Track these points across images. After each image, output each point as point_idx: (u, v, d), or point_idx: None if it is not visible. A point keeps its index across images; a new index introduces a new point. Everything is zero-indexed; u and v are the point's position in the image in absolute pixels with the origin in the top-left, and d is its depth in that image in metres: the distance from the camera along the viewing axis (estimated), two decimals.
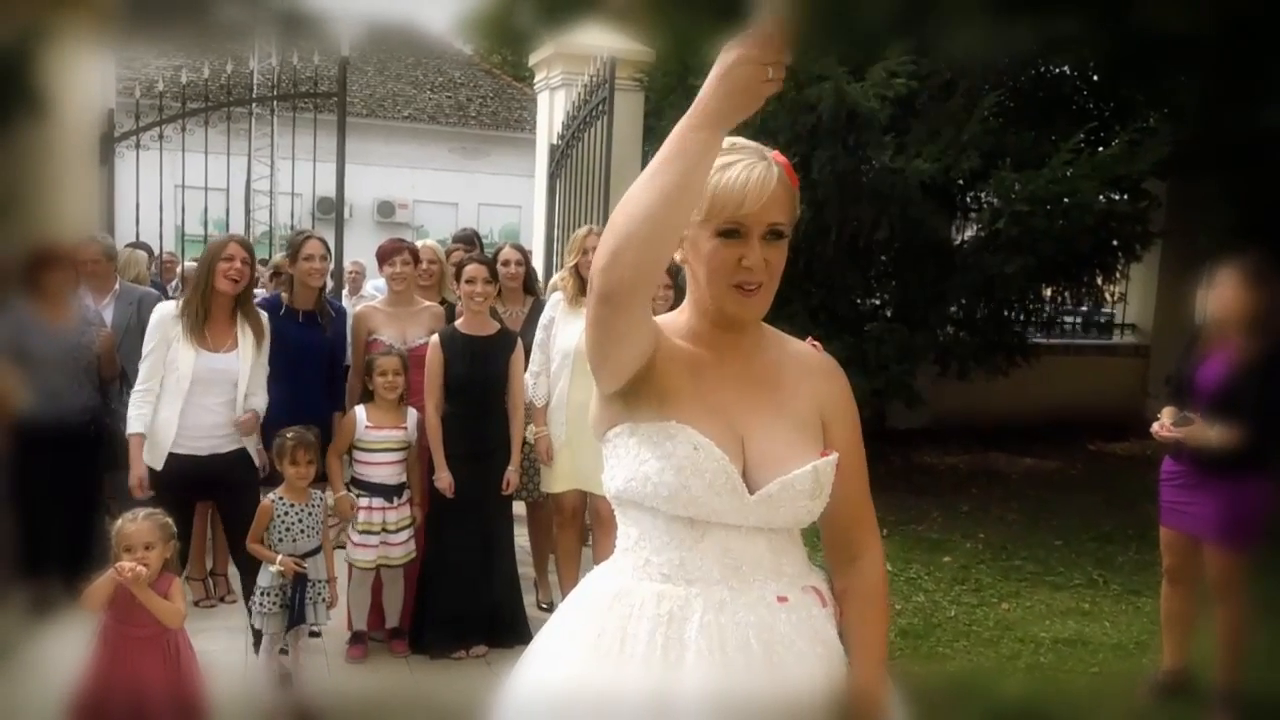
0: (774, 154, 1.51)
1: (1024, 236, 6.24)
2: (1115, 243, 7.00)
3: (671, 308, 4.79)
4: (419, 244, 5.20)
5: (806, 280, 6.35)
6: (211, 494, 3.96)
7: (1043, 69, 7.55)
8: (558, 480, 4.32)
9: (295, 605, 3.44)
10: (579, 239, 4.38)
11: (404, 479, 4.06)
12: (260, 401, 3.88)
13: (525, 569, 4.57)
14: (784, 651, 1.46)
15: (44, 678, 3.06)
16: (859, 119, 6.01)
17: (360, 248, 8.83)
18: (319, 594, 3.54)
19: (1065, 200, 6.32)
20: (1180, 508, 3.63)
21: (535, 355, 4.32)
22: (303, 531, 3.55)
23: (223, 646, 3.96)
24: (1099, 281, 7.53)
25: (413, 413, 4.09)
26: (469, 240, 6.13)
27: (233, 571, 4.47)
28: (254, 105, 8.05)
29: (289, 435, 3.63)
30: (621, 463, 1.51)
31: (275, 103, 8.08)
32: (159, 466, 3.75)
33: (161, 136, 6.86)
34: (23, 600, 3.49)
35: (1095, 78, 7.85)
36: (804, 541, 1.62)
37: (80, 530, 4.49)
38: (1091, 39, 7.21)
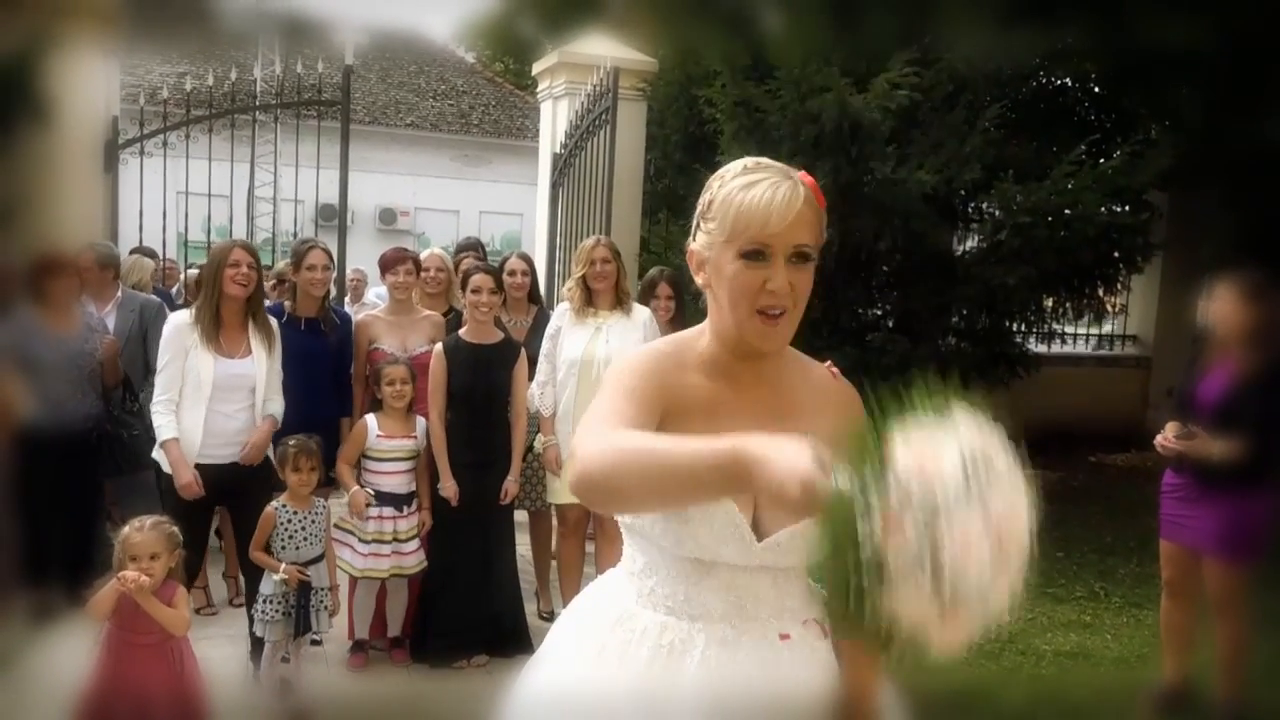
0: (800, 174, 1.46)
1: (1025, 248, 6.25)
2: (1116, 254, 7.00)
3: (672, 319, 4.79)
4: (427, 252, 5.22)
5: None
6: (227, 501, 3.96)
7: (1045, 81, 7.57)
8: (563, 491, 4.32)
9: (298, 613, 3.44)
10: (586, 249, 4.40)
11: (414, 488, 4.07)
12: (277, 407, 3.90)
13: (526, 578, 4.57)
14: (785, 687, 1.45)
15: (46, 685, 3.06)
16: (861, 130, 6.02)
17: (361, 255, 8.84)
18: (322, 602, 3.55)
19: (1067, 212, 6.34)
20: (1181, 521, 3.63)
21: (541, 365, 4.33)
22: (306, 539, 3.55)
23: (224, 654, 3.96)
24: (1100, 293, 7.53)
25: (422, 421, 4.11)
26: (474, 248, 6.14)
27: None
28: (257, 112, 8.07)
29: (291, 443, 3.64)
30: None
31: (279, 110, 8.09)
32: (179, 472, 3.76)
33: (165, 144, 6.89)
34: (25, 607, 3.49)
35: (1097, 90, 7.88)
36: None
37: (82, 537, 4.49)
38: (1094, 51, 7.27)
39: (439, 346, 4.13)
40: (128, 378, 4.77)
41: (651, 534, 1.46)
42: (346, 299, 7.63)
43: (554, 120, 7.79)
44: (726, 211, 1.42)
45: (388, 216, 16.48)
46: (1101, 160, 6.91)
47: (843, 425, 1.54)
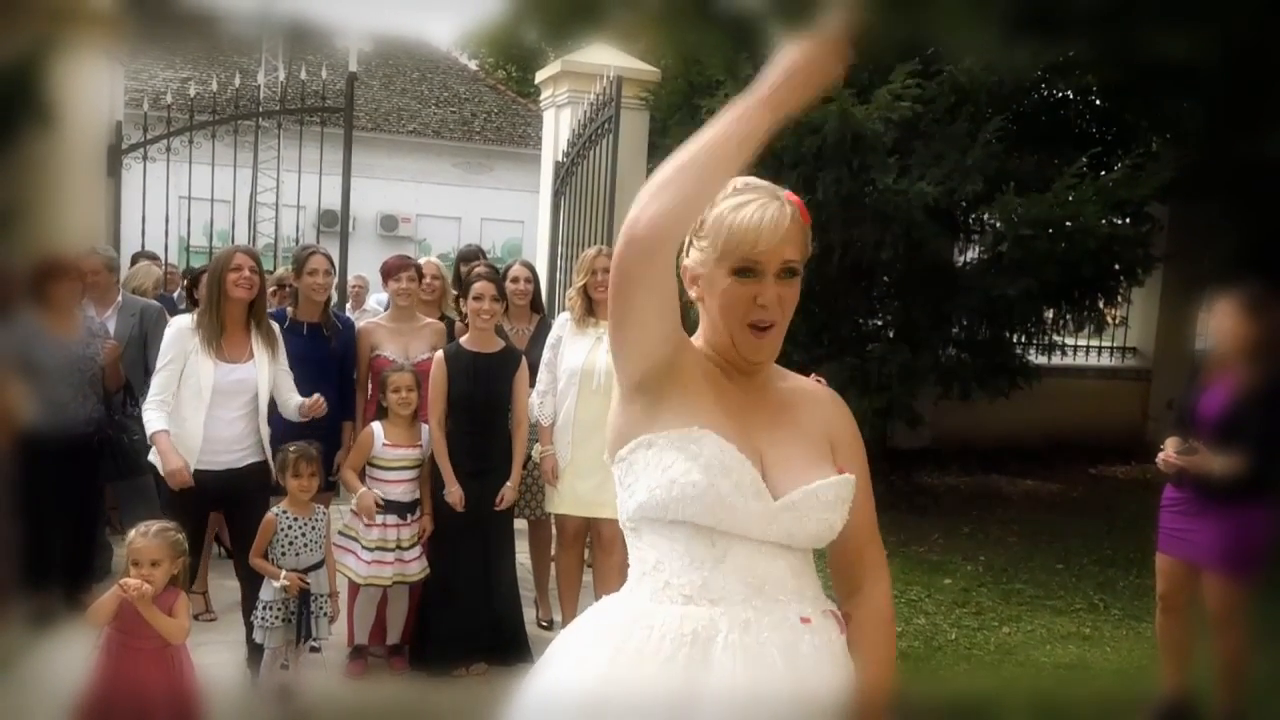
0: (787, 193, 1.53)
1: (1027, 259, 6.26)
2: (1117, 267, 7.02)
3: None
4: (423, 260, 5.23)
5: (809, 300, 6.36)
6: (224, 506, 3.97)
7: (1046, 93, 7.59)
8: (560, 501, 4.32)
9: (298, 620, 3.44)
10: (588, 259, 4.38)
11: (417, 496, 4.07)
12: (294, 400, 3.91)
13: (525, 586, 4.56)
14: (808, 673, 1.45)
15: (45, 689, 3.05)
16: (864, 141, 6.04)
17: (363, 261, 8.85)
18: (321, 608, 3.54)
19: (1068, 224, 6.35)
20: (1180, 535, 3.63)
21: (542, 374, 4.33)
22: (306, 545, 3.55)
23: (222, 660, 3.95)
24: (1101, 305, 7.55)
25: (426, 429, 4.10)
26: (476, 257, 6.15)
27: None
28: (260, 118, 8.09)
29: (291, 449, 3.64)
30: (641, 475, 1.50)
31: (282, 116, 8.11)
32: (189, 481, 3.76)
33: (169, 149, 6.90)
34: (24, 611, 3.48)
35: (1098, 102, 7.89)
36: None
37: (81, 541, 4.49)
38: (1095, 64, 7.29)
39: (439, 354, 4.13)
40: (129, 382, 4.77)
41: (669, 500, 1.46)
42: (348, 305, 7.64)
43: (556, 128, 7.81)
44: (719, 231, 1.49)
45: (389, 223, 16.50)
46: (1102, 173, 6.93)
47: (833, 420, 1.62)
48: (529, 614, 4.45)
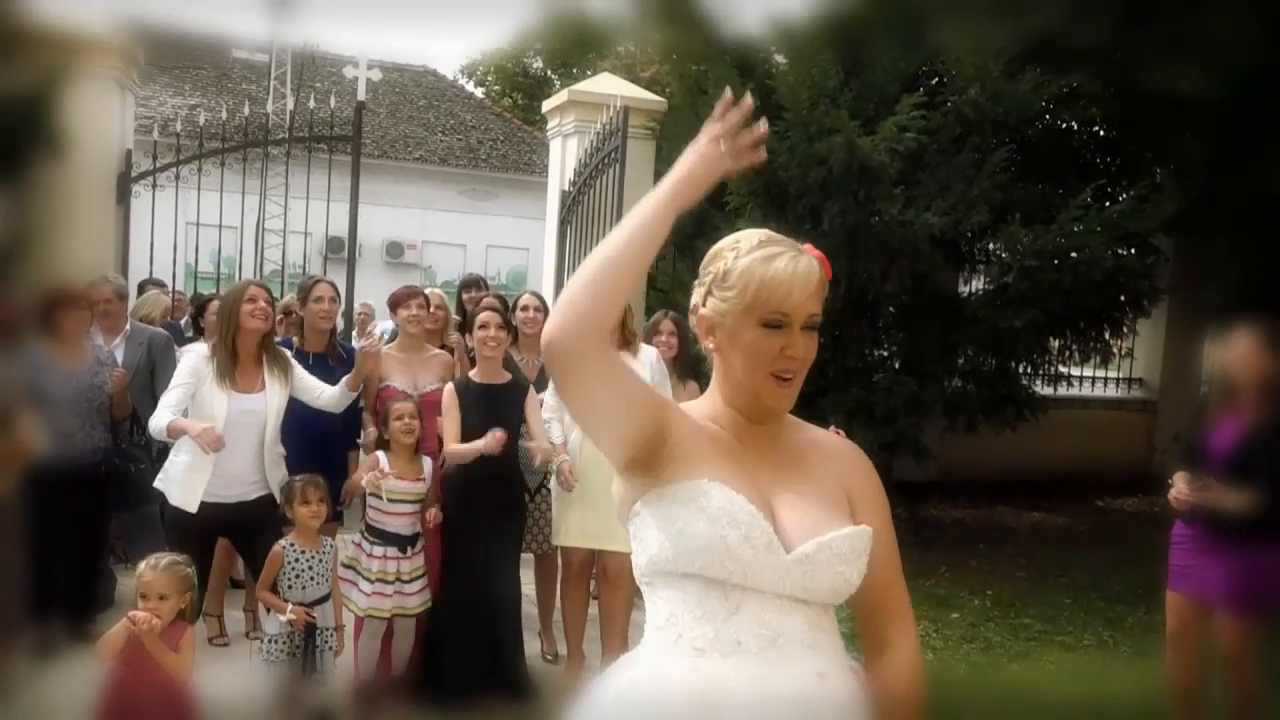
0: (807, 247, 1.56)
1: (1033, 291, 6.26)
2: (1123, 298, 7.02)
3: (676, 356, 4.76)
4: (426, 290, 5.24)
5: (821, 332, 6.36)
6: (236, 539, 3.95)
7: (1051, 124, 7.62)
8: (567, 534, 4.29)
9: (304, 654, 3.41)
10: None
11: (418, 529, 4.03)
12: (326, 391, 4.02)
13: (530, 620, 4.53)
14: None
15: (49, 718, 3.03)
16: (869, 172, 6.06)
17: (368, 288, 8.87)
18: (326, 642, 3.52)
19: (1073, 255, 6.36)
20: (1190, 572, 3.60)
21: (548, 401, 4.32)
22: (313, 579, 3.54)
23: (233, 686, 3.90)
24: (1107, 336, 7.54)
25: (428, 462, 4.08)
26: (477, 285, 6.17)
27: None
28: (269, 146, 8.13)
29: (298, 479, 3.64)
30: (650, 530, 1.49)
31: (290, 144, 8.16)
32: (193, 509, 3.76)
33: (178, 177, 6.93)
34: (28, 641, 3.47)
35: (1102, 134, 7.93)
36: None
37: (86, 571, 4.47)
38: (1100, 96, 7.32)
39: (450, 386, 4.13)
40: (136, 411, 4.77)
41: (676, 554, 1.45)
42: (354, 333, 7.65)
43: (563, 157, 7.84)
44: (749, 282, 1.50)
45: (395, 250, 16.56)
46: (1107, 204, 6.94)
47: (853, 475, 1.59)
48: (534, 647, 4.42)
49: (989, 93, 6.34)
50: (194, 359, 3.85)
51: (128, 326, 5.09)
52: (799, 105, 6.23)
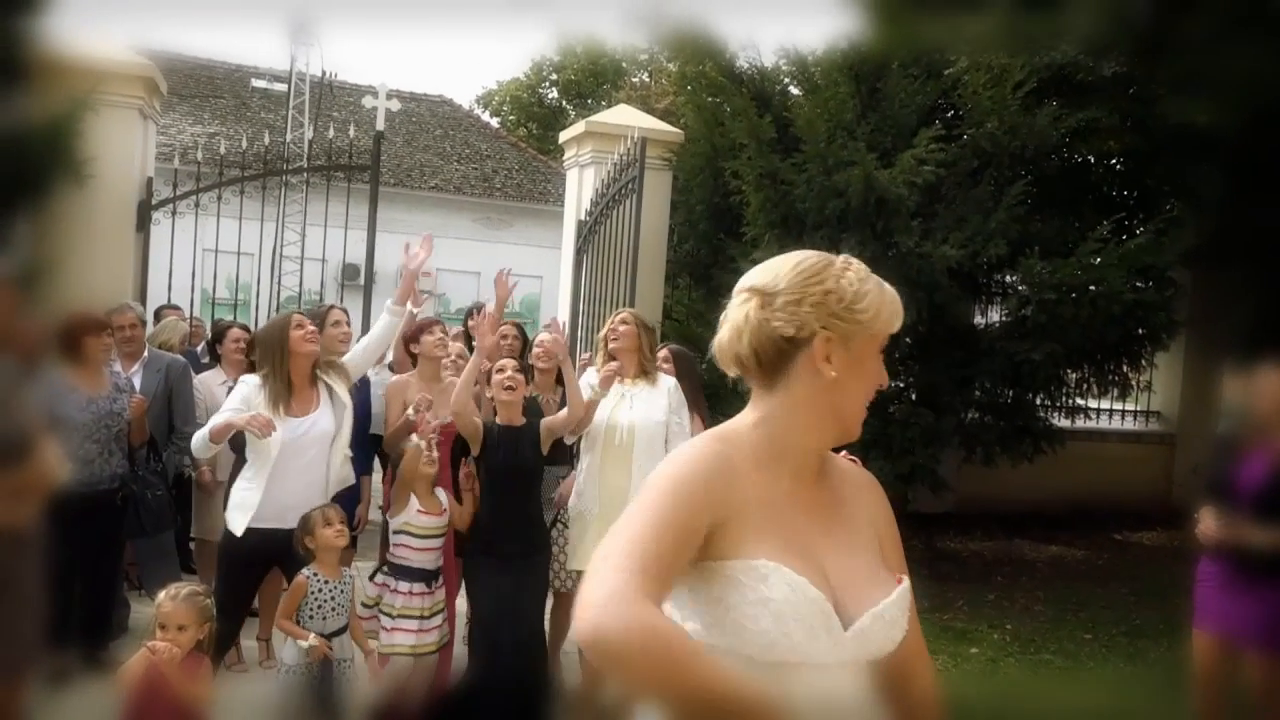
0: None
1: (1051, 324, 6.24)
2: (1141, 331, 6.99)
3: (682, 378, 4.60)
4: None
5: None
6: (285, 563, 3.92)
7: (1068, 157, 7.63)
8: (587, 557, 4.26)
9: (321, 685, 3.39)
10: (610, 322, 4.45)
11: (440, 564, 4.02)
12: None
13: None
14: None
15: None
16: (887, 204, 6.07)
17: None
18: (343, 672, 3.49)
19: (1091, 289, 6.33)
20: (1218, 610, 3.54)
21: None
22: (333, 610, 3.52)
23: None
24: (1125, 369, 7.50)
25: (443, 495, 4.07)
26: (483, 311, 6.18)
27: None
28: (286, 175, 8.22)
29: (314, 510, 3.63)
30: (700, 607, 1.38)
31: (308, 173, 8.23)
32: (239, 533, 3.76)
33: (197, 204, 6.99)
34: (43, 669, 3.45)
35: (1119, 167, 7.92)
36: None
37: (101, 598, 4.46)
38: (1116, 129, 7.33)
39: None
40: (153, 438, 4.77)
41: (733, 645, 1.36)
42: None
43: (580, 187, 7.88)
44: (880, 306, 1.43)
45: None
46: (1125, 237, 6.93)
47: (876, 510, 1.55)
48: None
49: (1007, 126, 6.36)
50: (246, 389, 3.86)
51: (145, 353, 5.11)
52: (816, 137, 6.25)
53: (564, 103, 26.96)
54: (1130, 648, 5.57)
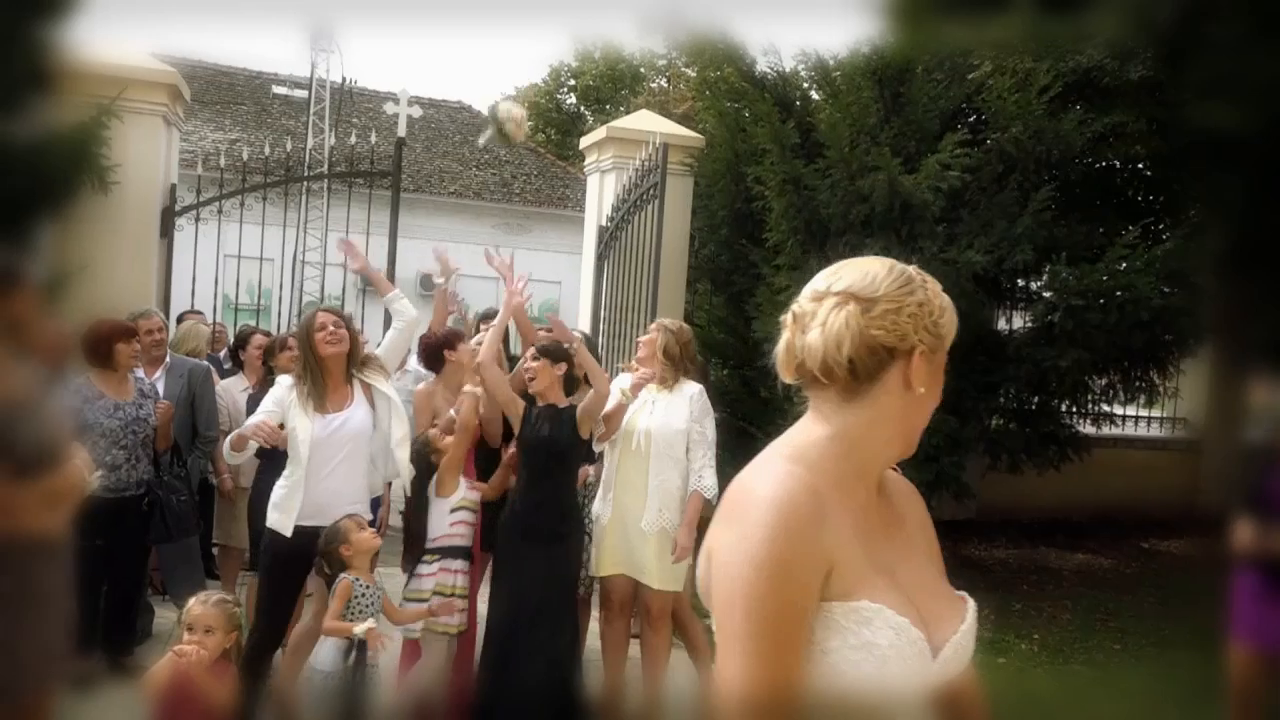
0: None
1: (1078, 330, 6.16)
2: (1169, 337, 6.90)
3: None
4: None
5: None
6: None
7: (1092, 162, 7.55)
8: (605, 562, 4.24)
9: (356, 685, 3.38)
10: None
11: (470, 541, 4.11)
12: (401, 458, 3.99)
13: None
14: None
15: None
16: (911, 210, 6.02)
17: None
18: (375, 676, 3.51)
19: (1118, 294, 6.26)
20: (1256, 623, 3.48)
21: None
22: (371, 613, 3.54)
23: None
24: (1153, 376, 7.41)
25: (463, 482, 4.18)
26: (494, 316, 6.21)
27: None
28: (308, 181, 8.25)
29: (342, 520, 3.63)
30: None
31: (330, 179, 8.26)
32: (286, 533, 3.79)
33: (220, 210, 7.02)
34: (69, 676, 3.45)
35: (1147, 172, 7.84)
36: None
37: (126, 604, 4.47)
38: (1141, 134, 7.25)
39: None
40: (176, 443, 4.78)
41: (827, 686, 1.29)
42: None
43: (600, 193, 7.87)
44: (953, 319, 1.38)
45: (428, 282, 16.64)
46: (1152, 243, 6.85)
47: (924, 517, 1.52)
48: None
49: (1031, 130, 6.29)
50: (279, 390, 3.91)
51: (168, 359, 5.13)
52: (840, 143, 6.21)
53: (582, 108, 27.01)
54: (1161, 659, 5.48)
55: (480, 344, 4.35)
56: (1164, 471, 9.11)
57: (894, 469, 1.61)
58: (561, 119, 26.85)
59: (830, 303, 1.35)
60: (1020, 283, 7.19)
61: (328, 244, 9.22)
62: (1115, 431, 9.09)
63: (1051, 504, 8.07)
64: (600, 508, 4.32)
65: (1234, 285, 8.40)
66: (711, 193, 7.63)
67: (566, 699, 4.00)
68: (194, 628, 2.78)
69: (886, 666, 1.27)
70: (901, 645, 1.27)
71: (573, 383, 4.37)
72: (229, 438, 3.89)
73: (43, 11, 3.98)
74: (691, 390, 4.32)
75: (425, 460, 4.12)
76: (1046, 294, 6.59)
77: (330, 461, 3.79)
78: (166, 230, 6.65)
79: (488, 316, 6.20)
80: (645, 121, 7.89)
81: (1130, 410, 9.28)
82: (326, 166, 8.25)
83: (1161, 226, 7.47)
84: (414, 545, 4.08)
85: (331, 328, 3.84)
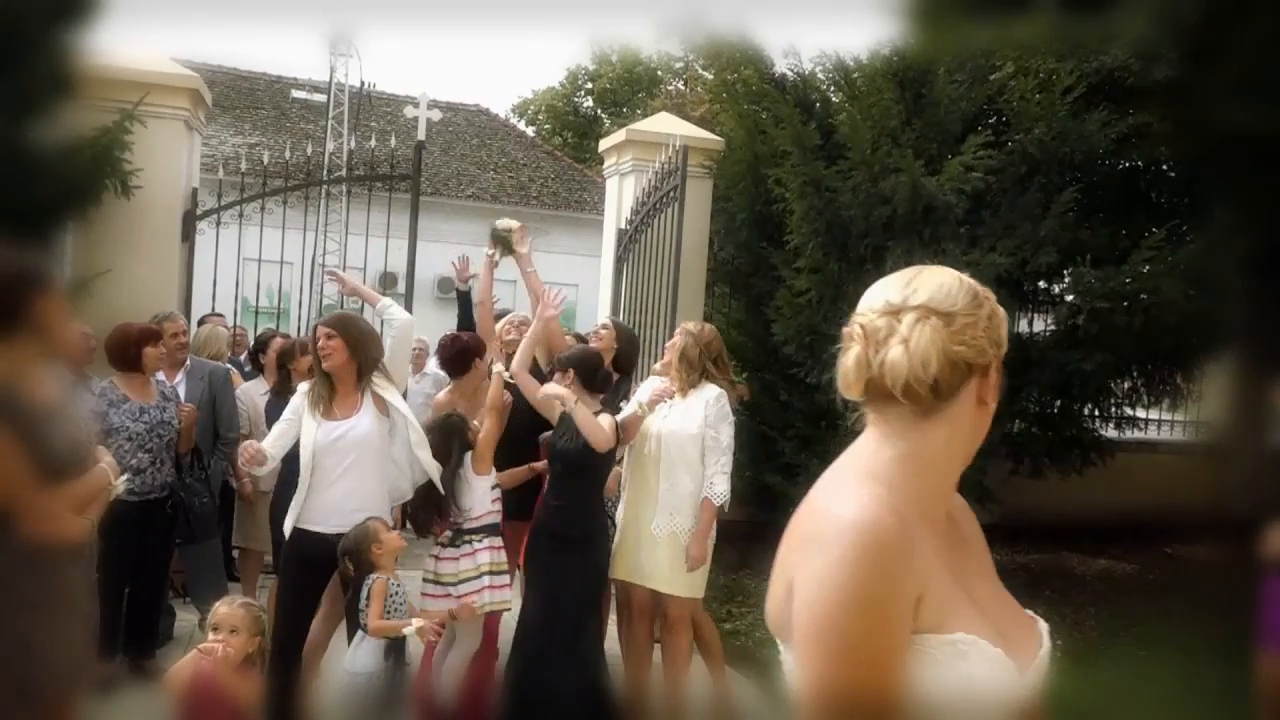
0: None
1: (1103, 333, 6.10)
2: (1195, 340, 6.82)
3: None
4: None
5: None
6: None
7: (1116, 163, 7.49)
8: (619, 567, 4.22)
9: (393, 683, 3.39)
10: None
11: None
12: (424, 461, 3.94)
13: None
14: None
15: None
16: (934, 212, 5.98)
17: (419, 323, 8.92)
18: (409, 677, 3.52)
19: (1143, 297, 6.20)
20: None
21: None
22: (396, 610, 3.54)
23: None
24: (1178, 379, 7.33)
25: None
26: (504, 315, 6.20)
27: None
28: (327, 185, 8.28)
29: (367, 521, 3.62)
30: None
31: (349, 183, 8.28)
32: (286, 535, 3.84)
33: (241, 214, 7.04)
34: (95, 681, 3.45)
35: (1172, 173, 7.77)
36: None
37: (149, 606, 4.48)
38: (1166, 135, 7.18)
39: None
40: (196, 445, 4.80)
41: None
42: (409, 368, 7.68)
43: (620, 196, 7.86)
44: (1004, 328, 1.34)
45: (445, 285, 16.69)
46: (1177, 245, 6.78)
47: (979, 532, 1.47)
48: None
49: (1055, 131, 6.24)
50: (297, 398, 3.92)
51: (188, 362, 5.15)
52: (861, 144, 6.17)
53: (599, 111, 27.04)
54: (1189, 667, 5.41)
55: (494, 360, 4.36)
56: (1188, 476, 9.01)
57: None
58: (578, 122, 26.89)
59: (910, 318, 1.28)
60: (1043, 285, 7.13)
61: (347, 247, 9.24)
62: (1139, 435, 9.02)
63: (1074, 509, 7.98)
64: (621, 512, 4.31)
65: (1259, 288, 8.35)
66: (730, 195, 7.61)
67: (589, 704, 3.98)
68: (219, 628, 2.78)
69: (982, 700, 1.21)
70: (997, 677, 1.21)
71: (605, 380, 4.32)
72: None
73: (66, 18, 4.00)
74: (709, 394, 4.21)
75: (458, 439, 4.09)
76: (1069, 297, 6.54)
77: (334, 468, 3.75)
78: (188, 234, 6.68)
79: (498, 317, 6.17)
80: (665, 124, 7.87)
81: (1154, 414, 9.19)
82: (345, 170, 8.26)
83: (1186, 229, 7.40)
84: (444, 518, 4.04)
85: (323, 340, 3.79)
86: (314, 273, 10.03)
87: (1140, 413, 8.54)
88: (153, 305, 5.43)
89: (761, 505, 6.99)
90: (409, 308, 7.39)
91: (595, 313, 8.43)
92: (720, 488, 4.08)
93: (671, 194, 6.55)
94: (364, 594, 3.50)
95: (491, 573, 3.97)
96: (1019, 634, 1.31)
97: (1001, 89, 6.49)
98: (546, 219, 17.55)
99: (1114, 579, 7.47)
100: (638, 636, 4.30)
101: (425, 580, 4.03)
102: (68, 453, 2.42)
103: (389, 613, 3.51)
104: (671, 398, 4.20)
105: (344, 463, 3.76)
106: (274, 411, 4.81)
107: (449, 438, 4.06)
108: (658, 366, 4.67)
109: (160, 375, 4.76)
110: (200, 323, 6.57)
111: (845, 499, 1.22)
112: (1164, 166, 7.70)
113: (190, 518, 4.44)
